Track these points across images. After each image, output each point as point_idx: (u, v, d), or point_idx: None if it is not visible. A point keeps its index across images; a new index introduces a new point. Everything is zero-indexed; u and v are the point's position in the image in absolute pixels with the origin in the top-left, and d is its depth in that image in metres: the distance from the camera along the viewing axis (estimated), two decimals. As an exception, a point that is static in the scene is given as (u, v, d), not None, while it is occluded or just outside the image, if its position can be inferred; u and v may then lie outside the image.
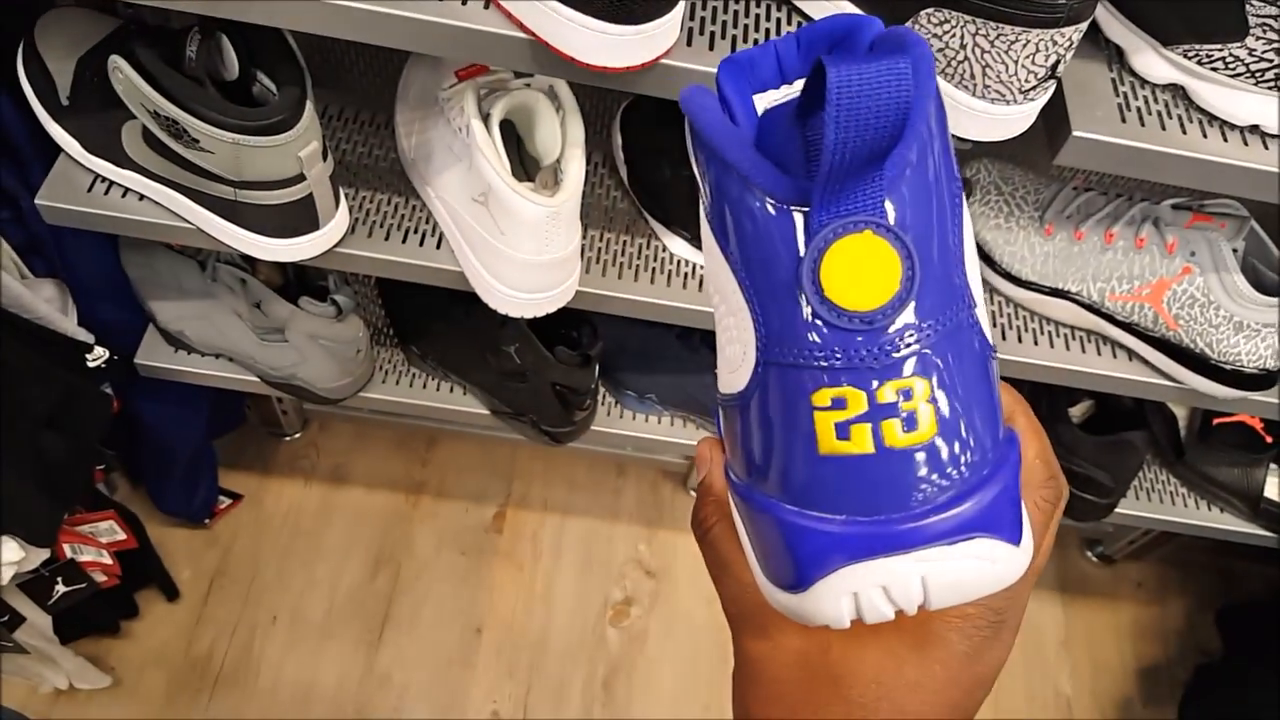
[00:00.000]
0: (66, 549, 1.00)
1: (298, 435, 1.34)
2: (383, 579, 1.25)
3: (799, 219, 0.23)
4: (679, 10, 0.53)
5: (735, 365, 0.25)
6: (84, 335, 0.92)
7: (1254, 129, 0.59)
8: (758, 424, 0.25)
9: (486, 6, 0.55)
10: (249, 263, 0.88)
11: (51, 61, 0.71)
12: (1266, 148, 0.59)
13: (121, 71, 0.62)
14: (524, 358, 0.84)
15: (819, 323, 0.23)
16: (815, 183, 0.22)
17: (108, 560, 1.04)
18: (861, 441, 0.23)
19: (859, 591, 0.24)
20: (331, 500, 1.30)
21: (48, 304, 0.85)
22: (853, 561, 0.23)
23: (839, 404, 0.23)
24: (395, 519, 1.30)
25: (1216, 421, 0.97)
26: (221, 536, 1.26)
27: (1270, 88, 0.57)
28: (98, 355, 0.93)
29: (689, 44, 0.56)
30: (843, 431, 0.23)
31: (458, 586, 1.26)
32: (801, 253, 0.23)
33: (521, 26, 0.54)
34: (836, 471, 0.23)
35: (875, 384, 0.23)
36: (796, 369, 0.23)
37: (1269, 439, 0.95)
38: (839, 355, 0.23)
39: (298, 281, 0.91)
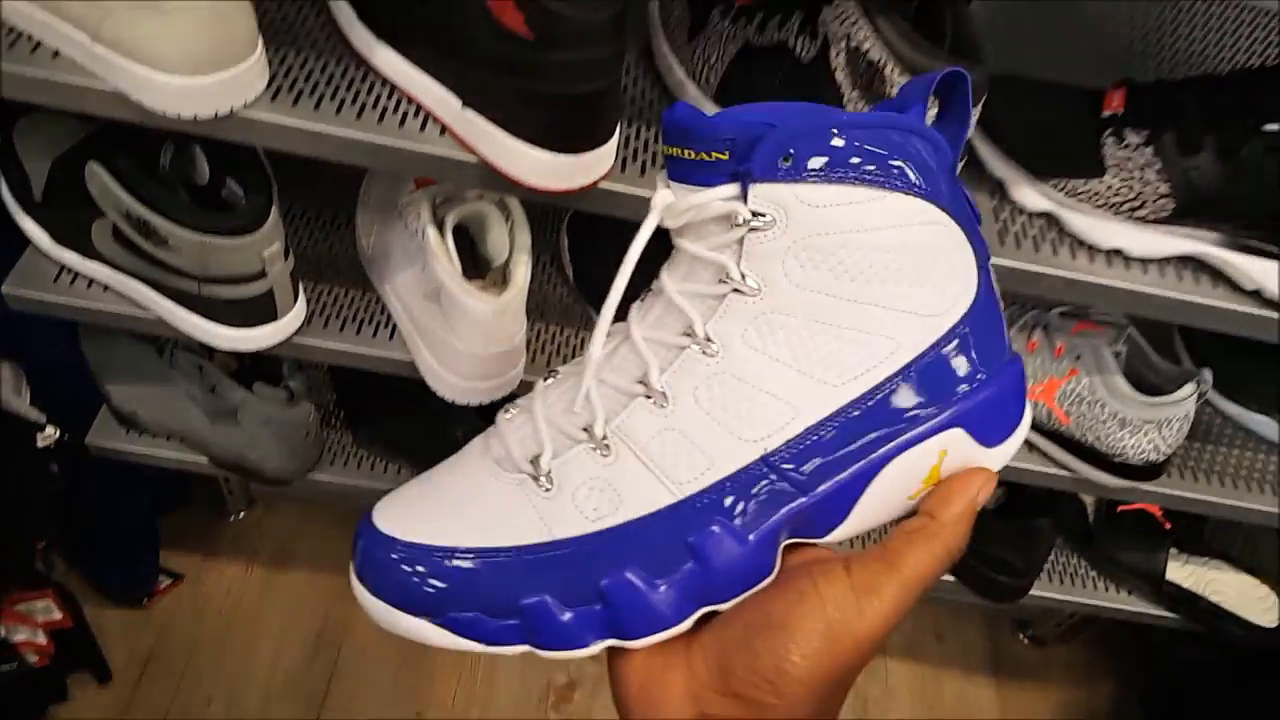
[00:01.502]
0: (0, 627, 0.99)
1: (242, 514, 1.35)
2: (322, 662, 1.25)
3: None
4: (614, 141, 0.60)
5: (950, 303, 0.34)
6: (35, 415, 0.95)
7: (1116, 253, 0.67)
8: (987, 316, 0.35)
9: (442, 133, 0.62)
10: (206, 348, 0.92)
11: (28, 160, 0.75)
12: (1128, 268, 0.67)
13: (98, 176, 0.66)
14: (469, 439, 0.89)
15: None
16: (958, 150, 0.34)
17: (42, 640, 1.04)
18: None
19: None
20: (273, 581, 1.31)
21: (3, 385, 0.88)
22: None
23: None
24: (337, 600, 1.31)
25: (1120, 509, 1.05)
26: (158, 617, 1.25)
27: (1128, 217, 0.65)
28: (48, 436, 0.95)
29: (623, 169, 0.63)
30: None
31: (398, 670, 1.27)
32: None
33: (473, 152, 0.60)
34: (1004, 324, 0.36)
35: None
36: (988, 263, 0.35)
37: (1168, 525, 1.03)
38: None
39: (252, 363, 0.94)
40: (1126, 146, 0.64)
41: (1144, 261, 0.67)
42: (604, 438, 0.33)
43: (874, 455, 0.33)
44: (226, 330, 0.74)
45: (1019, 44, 0.71)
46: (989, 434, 0.34)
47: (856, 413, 0.33)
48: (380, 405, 0.98)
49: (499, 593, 0.32)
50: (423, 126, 0.62)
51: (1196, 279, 0.68)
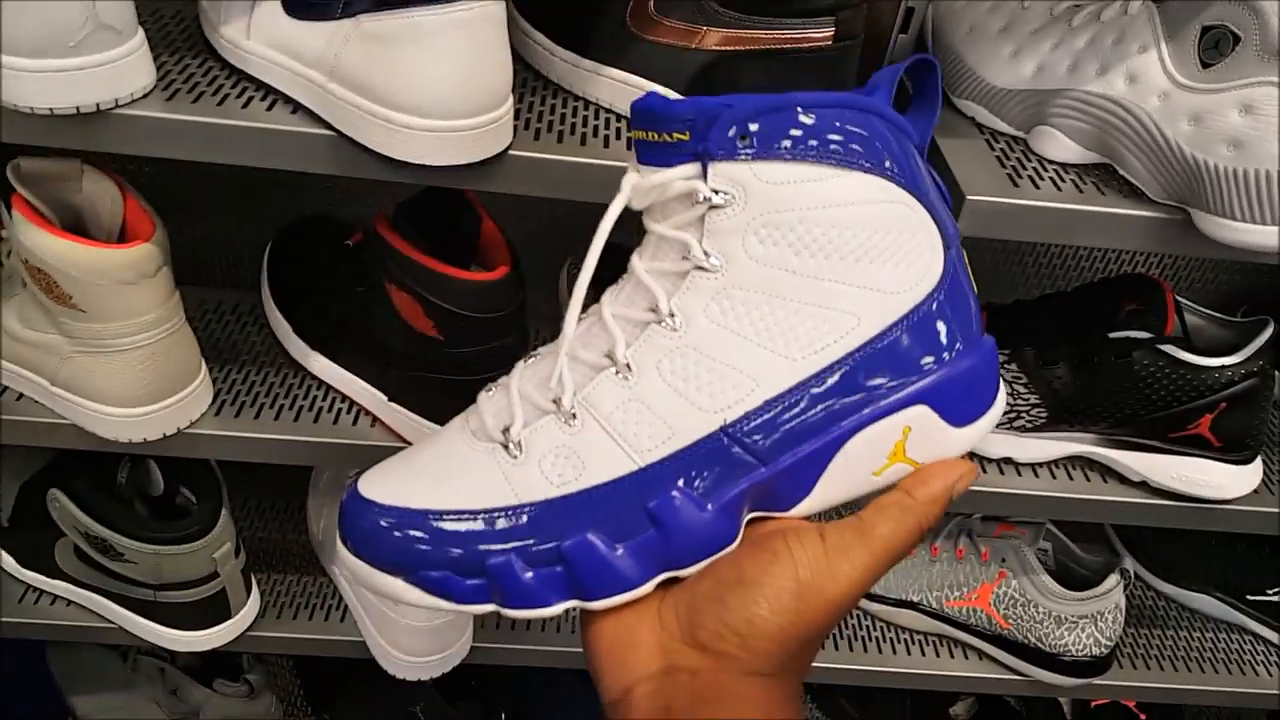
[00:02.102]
0: None
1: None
2: None
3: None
4: (527, 416, 0.66)
5: (914, 281, 0.35)
6: (-3, 741, 0.94)
7: (1007, 461, 0.72)
8: (954, 296, 0.35)
9: (374, 424, 0.68)
10: (167, 650, 0.93)
11: (-4, 489, 0.80)
12: (1020, 475, 0.72)
13: (59, 502, 0.71)
14: (429, 716, 0.89)
15: (950, 213, 0.36)
16: (926, 133, 0.36)
17: None
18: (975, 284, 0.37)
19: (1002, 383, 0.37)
20: None
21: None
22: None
23: None
24: None
25: (1094, 704, 1.03)
26: None
27: (1009, 428, 0.71)
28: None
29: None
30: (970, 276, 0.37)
31: None
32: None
33: (401, 439, 0.66)
34: (978, 306, 0.36)
35: None
36: (958, 244, 0.36)
37: (1143, 716, 1.01)
38: (958, 230, 0.36)
39: (214, 659, 0.95)
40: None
41: (1034, 466, 0.73)
42: (571, 408, 0.34)
43: (836, 429, 0.34)
44: (182, 633, 0.76)
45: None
46: (956, 413, 0.35)
47: (817, 386, 0.34)
48: (341, 687, 0.98)
49: (467, 553, 0.34)
50: (355, 420, 0.68)
51: (1088, 476, 0.73)
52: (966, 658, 0.86)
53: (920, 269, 0.35)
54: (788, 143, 0.32)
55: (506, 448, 0.35)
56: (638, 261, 0.36)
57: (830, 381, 0.34)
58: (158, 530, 0.70)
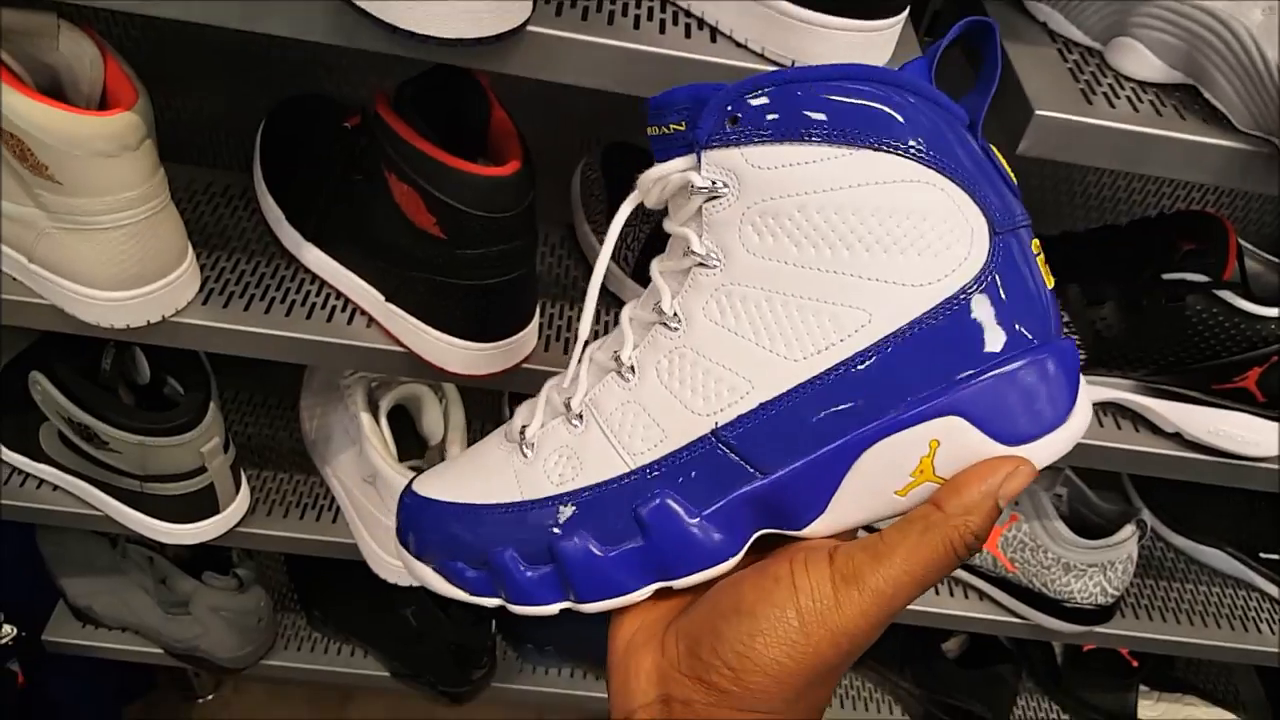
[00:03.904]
0: (-58, 846, 0.95)
1: (210, 697, 1.31)
2: None
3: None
4: (533, 325, 0.62)
5: (944, 272, 0.30)
6: (-10, 614, 0.93)
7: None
8: (1008, 289, 0.30)
9: (369, 325, 0.64)
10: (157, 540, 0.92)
11: (-24, 368, 0.77)
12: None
13: (40, 385, 0.68)
14: (420, 619, 0.88)
15: (1013, 197, 0.31)
16: (981, 108, 0.31)
17: None
18: (1049, 277, 0.32)
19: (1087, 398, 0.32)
20: (239, 768, 1.26)
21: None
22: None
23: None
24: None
25: (1087, 649, 1.02)
26: (118, 814, 1.20)
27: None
28: (5, 634, 0.94)
29: (546, 349, 0.65)
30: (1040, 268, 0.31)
31: None
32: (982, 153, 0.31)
33: (398, 342, 0.63)
34: (1050, 303, 0.31)
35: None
36: (1016, 231, 0.30)
37: (1135, 663, 1.00)
38: (1025, 216, 0.31)
39: (203, 552, 0.94)
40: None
41: (1062, 409, 0.69)
42: (579, 409, 0.34)
43: (844, 439, 0.30)
44: (170, 526, 0.75)
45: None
46: (1004, 427, 0.29)
47: (821, 390, 0.30)
48: (332, 586, 0.97)
49: (476, 544, 0.35)
50: (350, 320, 0.64)
51: (1119, 424, 0.70)
52: (966, 597, 0.84)
53: (953, 259, 0.30)
54: (775, 122, 0.29)
55: (521, 447, 0.35)
56: (655, 263, 0.35)
57: (836, 384, 0.30)
58: (143, 420, 0.67)
